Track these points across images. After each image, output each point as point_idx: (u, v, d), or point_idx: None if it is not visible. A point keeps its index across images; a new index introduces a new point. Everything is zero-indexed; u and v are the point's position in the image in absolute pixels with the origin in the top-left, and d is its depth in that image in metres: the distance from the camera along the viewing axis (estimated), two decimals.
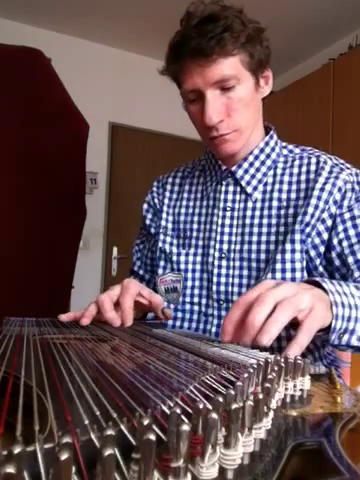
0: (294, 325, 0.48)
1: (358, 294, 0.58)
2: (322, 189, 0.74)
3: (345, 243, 0.71)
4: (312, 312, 0.48)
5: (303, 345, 0.46)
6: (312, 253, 0.73)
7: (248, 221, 0.79)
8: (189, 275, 0.82)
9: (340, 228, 0.72)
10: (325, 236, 0.73)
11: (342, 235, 0.72)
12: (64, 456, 0.15)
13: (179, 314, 0.82)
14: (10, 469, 0.14)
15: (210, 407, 0.22)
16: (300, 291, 0.49)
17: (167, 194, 0.91)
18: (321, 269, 0.74)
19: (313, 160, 0.78)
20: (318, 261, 0.74)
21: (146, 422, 0.18)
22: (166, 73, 0.77)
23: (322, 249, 0.74)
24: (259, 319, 0.45)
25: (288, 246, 0.73)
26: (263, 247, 0.76)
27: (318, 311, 0.49)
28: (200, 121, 0.73)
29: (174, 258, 0.84)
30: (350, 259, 0.70)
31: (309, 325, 0.47)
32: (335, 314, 0.52)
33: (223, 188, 0.82)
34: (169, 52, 0.74)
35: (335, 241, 0.72)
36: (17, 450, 0.15)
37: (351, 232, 0.72)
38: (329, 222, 0.73)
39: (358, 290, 0.59)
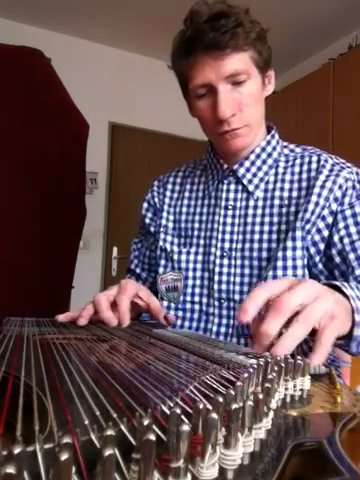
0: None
1: None
2: (322, 186, 0.74)
3: (346, 240, 0.71)
4: (332, 321, 0.45)
5: (321, 361, 0.43)
6: (312, 250, 0.73)
7: (250, 220, 0.79)
8: (190, 274, 0.82)
9: (341, 225, 0.72)
10: (325, 233, 0.73)
11: (343, 232, 0.72)
12: (64, 456, 0.15)
13: (180, 313, 0.82)
14: (10, 469, 0.14)
15: (210, 407, 0.22)
16: (322, 294, 0.45)
17: (168, 193, 0.91)
18: (321, 266, 0.74)
19: (314, 159, 0.78)
20: (318, 258, 0.74)
21: (146, 422, 0.18)
22: (173, 69, 0.77)
23: (322, 246, 0.73)
24: (272, 331, 0.43)
25: (289, 243, 0.73)
26: (265, 246, 0.76)
27: (338, 320, 0.46)
28: (210, 116, 0.73)
29: (175, 257, 0.84)
30: (351, 256, 0.70)
31: (328, 339, 0.44)
32: (358, 321, 0.51)
33: (225, 187, 0.82)
34: (179, 47, 0.74)
35: (336, 238, 0.72)
36: (17, 450, 0.15)
37: (352, 229, 0.72)
38: (329, 219, 0.73)
39: None
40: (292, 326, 0.43)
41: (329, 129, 2.88)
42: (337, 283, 0.55)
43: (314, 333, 0.45)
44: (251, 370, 0.31)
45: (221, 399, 0.22)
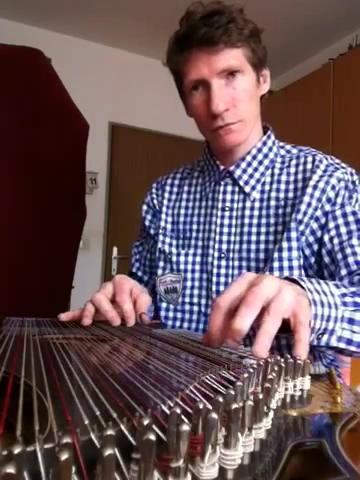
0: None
1: (338, 293, 0.54)
2: (315, 187, 0.74)
3: (336, 240, 0.71)
4: (301, 312, 0.45)
5: (305, 355, 0.42)
6: (307, 252, 0.73)
7: (246, 221, 0.79)
8: (188, 275, 0.82)
9: (331, 225, 0.72)
10: (319, 234, 0.73)
11: (333, 232, 0.71)
12: (64, 456, 0.15)
13: (179, 314, 0.82)
14: (10, 469, 0.14)
15: (210, 407, 0.22)
16: (283, 287, 0.45)
17: (166, 195, 0.92)
18: (316, 267, 0.74)
19: (309, 159, 0.78)
20: (313, 259, 0.74)
21: (146, 422, 0.18)
22: (168, 66, 0.78)
23: (316, 247, 0.73)
24: (246, 325, 0.42)
25: (285, 244, 0.73)
26: (262, 246, 0.76)
27: (305, 307, 0.46)
28: (204, 112, 0.74)
29: (173, 258, 0.84)
30: (338, 256, 0.69)
31: (304, 332, 0.44)
32: (314, 314, 0.49)
33: (221, 188, 0.82)
34: (173, 44, 0.75)
35: (326, 238, 0.72)
36: (17, 450, 0.15)
37: (342, 229, 0.71)
38: (323, 220, 0.73)
39: (338, 289, 0.55)
40: (265, 322, 0.42)
41: (329, 129, 2.88)
42: (295, 277, 0.53)
43: (284, 327, 0.44)
44: (251, 370, 0.31)
45: (221, 399, 0.22)
